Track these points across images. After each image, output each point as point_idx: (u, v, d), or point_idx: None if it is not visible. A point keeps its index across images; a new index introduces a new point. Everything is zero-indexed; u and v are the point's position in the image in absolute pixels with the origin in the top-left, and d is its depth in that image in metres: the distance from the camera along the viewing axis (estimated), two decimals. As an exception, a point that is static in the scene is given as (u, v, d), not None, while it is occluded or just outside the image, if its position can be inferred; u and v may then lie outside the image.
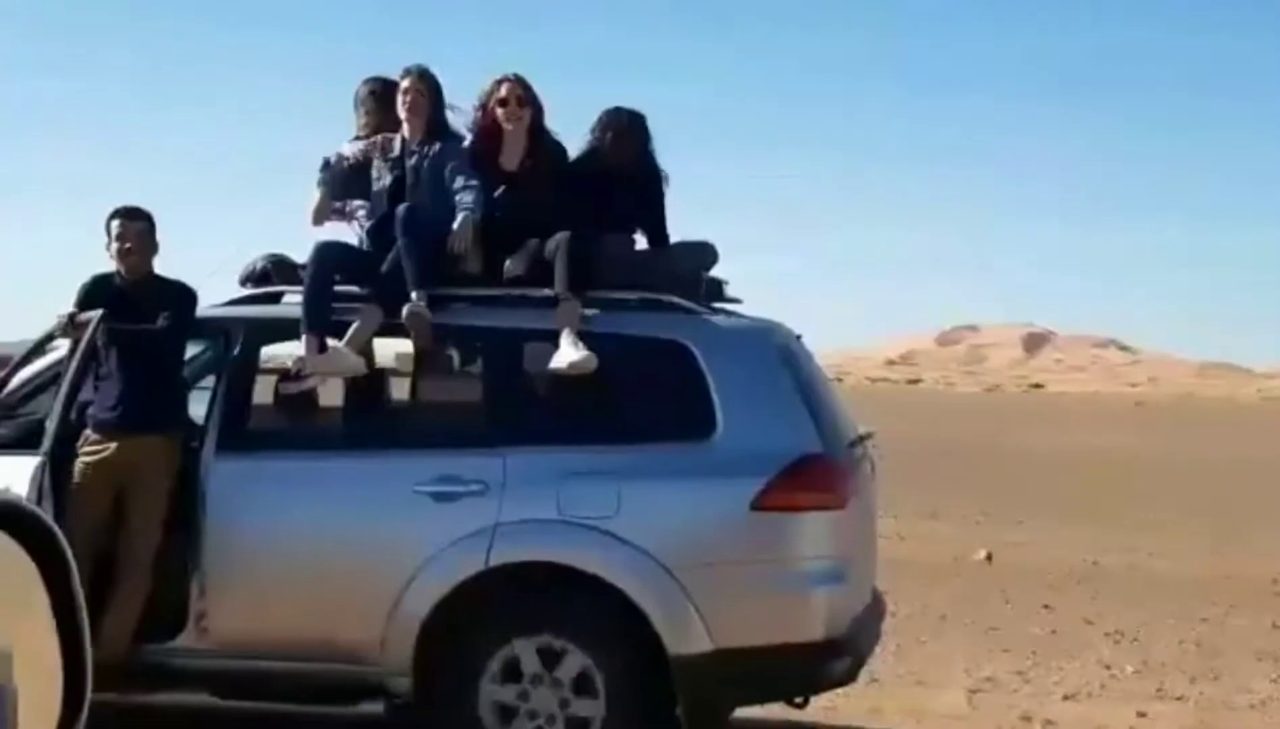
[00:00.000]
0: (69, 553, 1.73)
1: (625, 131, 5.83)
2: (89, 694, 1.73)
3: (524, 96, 5.71)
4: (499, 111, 5.71)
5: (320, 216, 5.98)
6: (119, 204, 5.64)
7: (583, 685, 5.01)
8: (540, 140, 5.79)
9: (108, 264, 5.63)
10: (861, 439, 5.93)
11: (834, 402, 5.85)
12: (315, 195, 5.92)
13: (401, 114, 5.75)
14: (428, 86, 5.75)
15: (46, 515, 1.78)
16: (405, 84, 5.74)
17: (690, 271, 5.66)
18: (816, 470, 5.12)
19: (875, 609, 5.89)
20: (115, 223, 5.57)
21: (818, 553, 5.14)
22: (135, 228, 5.57)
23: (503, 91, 5.71)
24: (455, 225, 5.45)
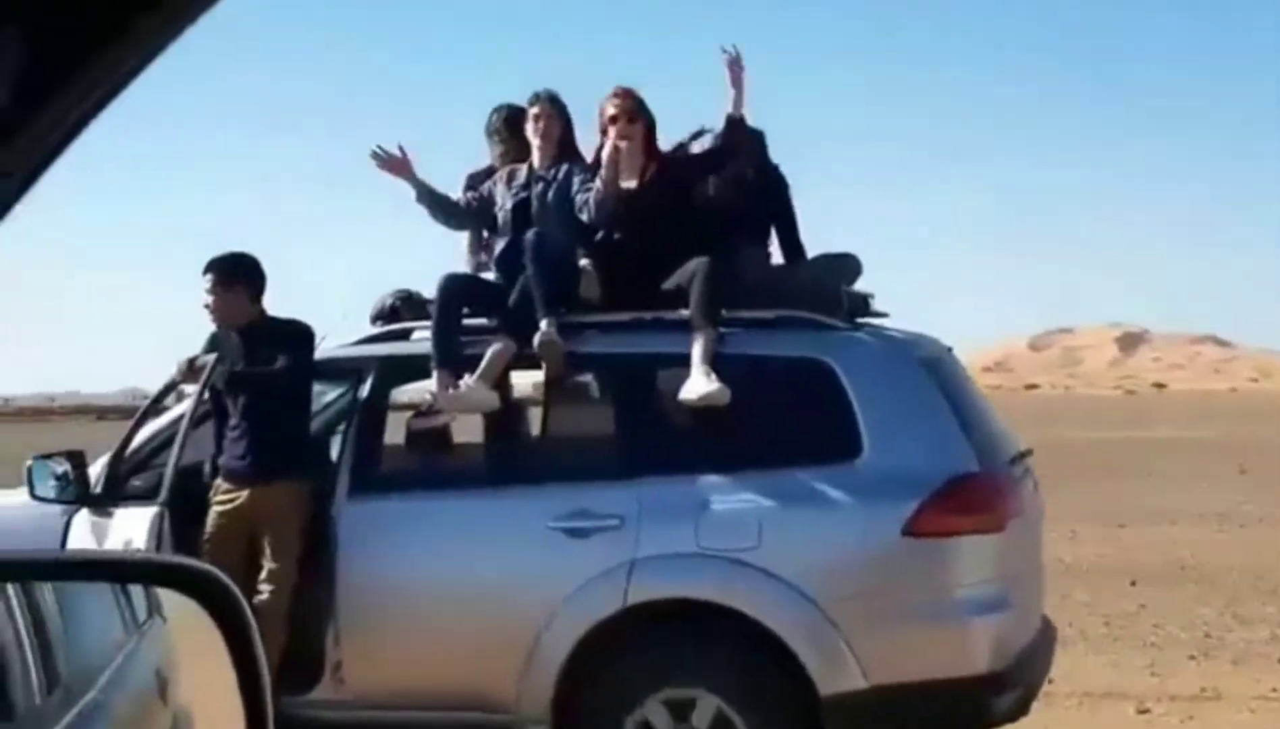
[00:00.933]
0: (248, 611, 1.70)
1: (744, 142, 5.62)
2: None
3: (634, 111, 5.51)
4: (611, 131, 5.49)
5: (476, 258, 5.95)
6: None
7: None
8: (657, 154, 5.58)
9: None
10: (1022, 455, 5.65)
11: (989, 417, 5.56)
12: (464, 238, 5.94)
13: (533, 140, 5.68)
14: (558, 111, 5.68)
15: (224, 575, 1.75)
16: (535, 110, 5.67)
17: (830, 285, 5.40)
18: (972, 490, 4.84)
19: (1045, 636, 5.58)
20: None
21: (977, 579, 4.85)
22: (206, 282, 5.47)
23: (610, 109, 5.51)
24: (579, 203, 5.43)
